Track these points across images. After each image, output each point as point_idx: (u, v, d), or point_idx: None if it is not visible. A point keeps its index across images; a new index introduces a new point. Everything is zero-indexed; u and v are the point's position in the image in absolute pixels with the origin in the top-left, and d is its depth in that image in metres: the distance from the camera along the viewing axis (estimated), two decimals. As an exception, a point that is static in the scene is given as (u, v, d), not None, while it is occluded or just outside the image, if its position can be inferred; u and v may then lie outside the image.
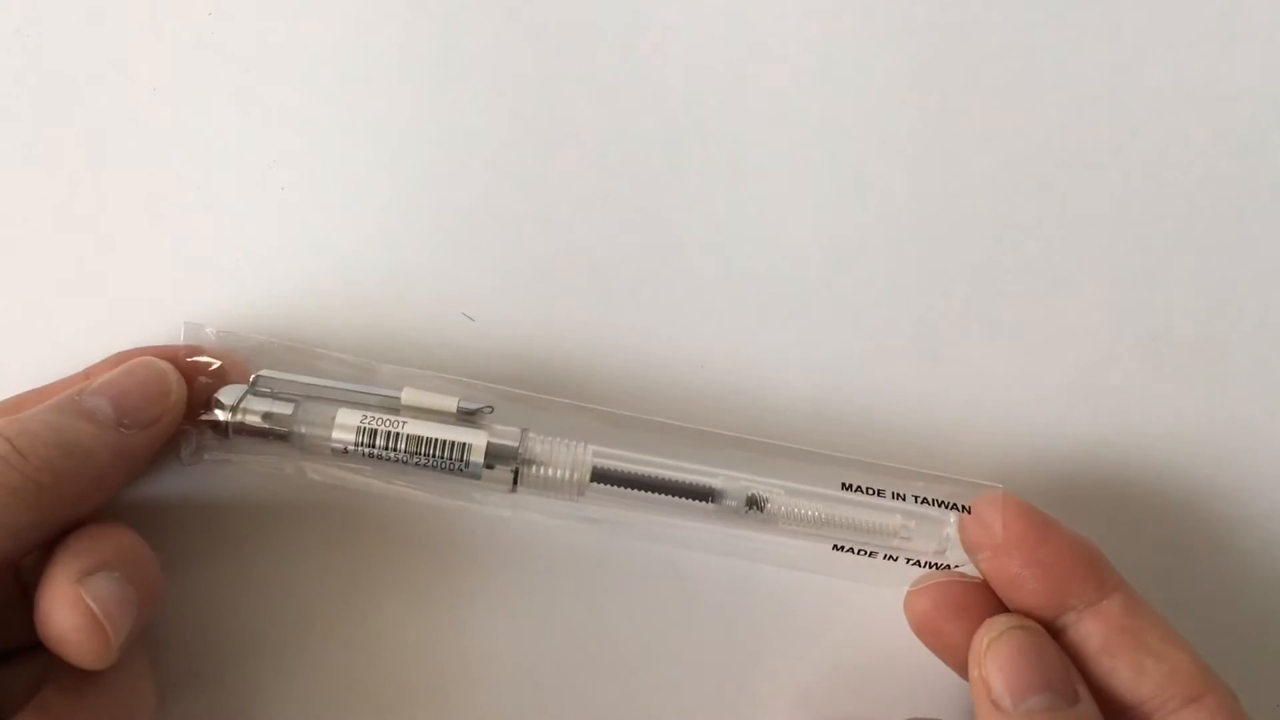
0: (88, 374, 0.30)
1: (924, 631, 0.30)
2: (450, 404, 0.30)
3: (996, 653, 0.27)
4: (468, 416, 0.30)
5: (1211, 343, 0.32)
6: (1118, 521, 0.32)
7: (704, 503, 0.29)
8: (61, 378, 0.31)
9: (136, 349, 0.31)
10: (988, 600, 0.29)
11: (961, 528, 0.29)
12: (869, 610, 0.31)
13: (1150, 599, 0.29)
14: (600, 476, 0.29)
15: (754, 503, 0.29)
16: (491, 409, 0.30)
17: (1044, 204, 0.32)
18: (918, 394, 0.32)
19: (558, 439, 0.30)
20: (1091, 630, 0.28)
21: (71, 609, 0.25)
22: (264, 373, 0.30)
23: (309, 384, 0.30)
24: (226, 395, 0.30)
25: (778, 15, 0.32)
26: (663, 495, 0.29)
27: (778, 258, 0.32)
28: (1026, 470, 0.32)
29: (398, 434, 0.29)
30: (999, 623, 0.28)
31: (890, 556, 0.30)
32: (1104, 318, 0.32)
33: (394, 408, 0.30)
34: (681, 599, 0.32)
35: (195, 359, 0.30)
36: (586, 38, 0.32)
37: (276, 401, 0.30)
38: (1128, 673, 0.27)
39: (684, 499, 0.29)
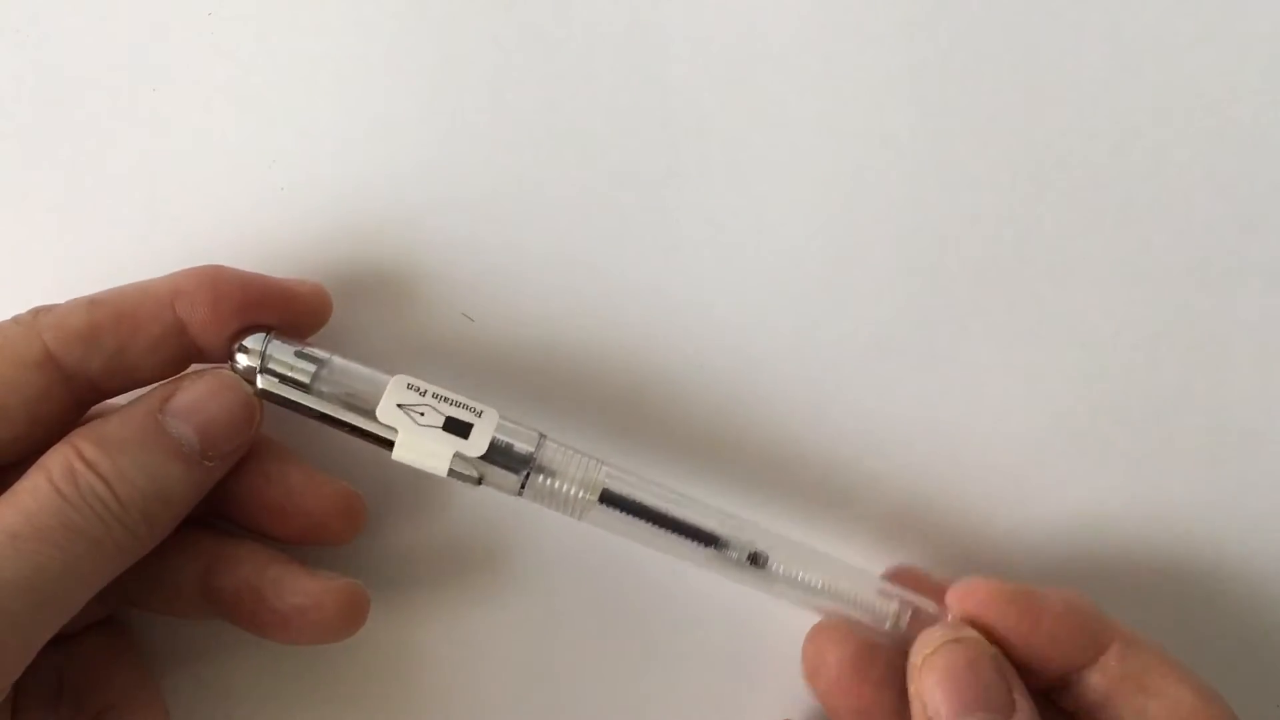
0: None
1: (831, 692, 0.28)
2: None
3: (931, 668, 0.27)
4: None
5: (1212, 341, 0.32)
6: (1118, 517, 0.32)
7: (705, 547, 0.29)
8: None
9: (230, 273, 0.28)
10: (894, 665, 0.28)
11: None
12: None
13: (1150, 596, 0.29)
14: (608, 499, 0.29)
15: (755, 559, 0.29)
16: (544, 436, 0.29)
17: (1044, 203, 0.32)
18: (918, 394, 0.32)
19: (574, 451, 0.29)
20: (1094, 684, 0.28)
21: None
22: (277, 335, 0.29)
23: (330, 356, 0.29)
24: (253, 341, 0.28)
25: (778, 14, 0.32)
26: (664, 531, 0.29)
27: (777, 257, 0.32)
28: (1027, 469, 0.32)
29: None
30: (934, 636, 0.28)
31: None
32: (1104, 317, 0.32)
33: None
34: (682, 605, 0.32)
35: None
36: (586, 37, 0.32)
37: (301, 355, 0.28)
38: (1131, 718, 0.27)
39: (685, 539, 0.29)
